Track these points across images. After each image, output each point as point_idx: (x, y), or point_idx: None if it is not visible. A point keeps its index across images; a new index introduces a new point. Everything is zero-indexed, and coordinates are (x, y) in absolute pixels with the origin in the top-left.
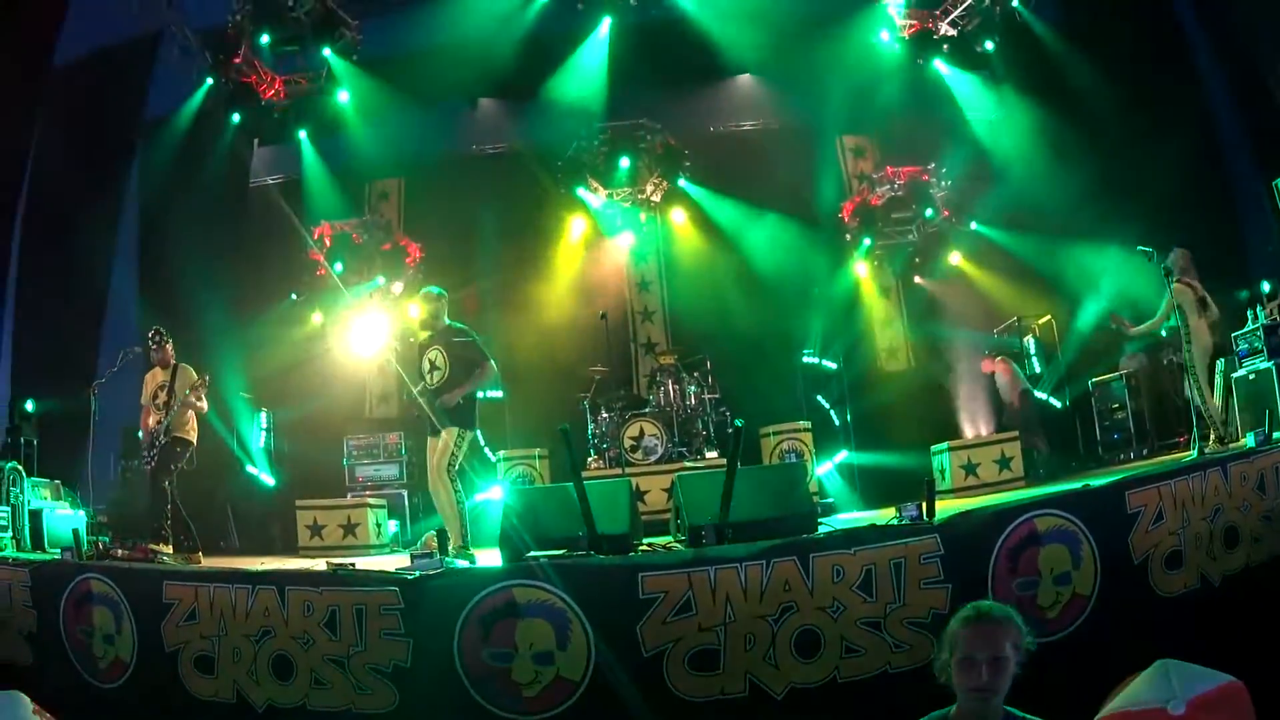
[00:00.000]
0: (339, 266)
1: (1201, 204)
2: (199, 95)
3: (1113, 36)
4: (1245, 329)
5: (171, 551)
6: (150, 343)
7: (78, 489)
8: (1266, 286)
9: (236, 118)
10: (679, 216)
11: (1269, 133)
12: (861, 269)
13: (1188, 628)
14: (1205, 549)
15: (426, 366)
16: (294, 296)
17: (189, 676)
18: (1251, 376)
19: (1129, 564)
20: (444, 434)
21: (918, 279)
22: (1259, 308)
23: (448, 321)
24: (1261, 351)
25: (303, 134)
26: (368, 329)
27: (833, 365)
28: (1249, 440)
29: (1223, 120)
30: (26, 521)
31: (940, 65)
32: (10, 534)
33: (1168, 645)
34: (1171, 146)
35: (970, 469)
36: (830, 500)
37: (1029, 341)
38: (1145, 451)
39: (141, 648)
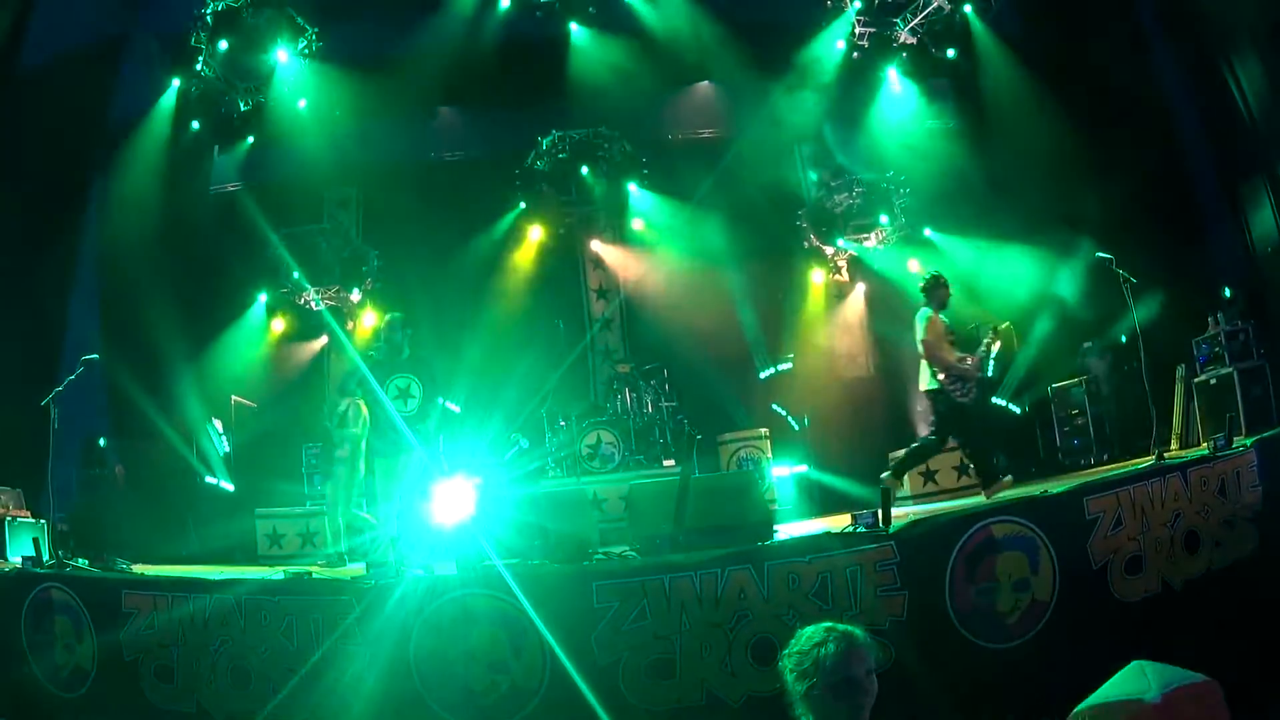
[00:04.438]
0: (297, 274)
1: (1163, 209)
2: (161, 103)
3: (1072, 40)
4: (1206, 334)
5: None
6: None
7: (39, 498)
8: (1228, 292)
9: (196, 124)
10: (637, 224)
11: (1231, 136)
12: (819, 275)
13: (1149, 633)
14: (1166, 554)
15: (395, 392)
16: (261, 296)
17: (149, 685)
18: (1212, 381)
19: (1088, 570)
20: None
21: (875, 285)
22: (1220, 313)
23: (409, 350)
24: (1222, 357)
25: (260, 141)
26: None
27: (788, 364)
28: (1209, 445)
29: (1185, 124)
30: None
31: (899, 73)
32: None
33: (1129, 650)
34: (1133, 151)
35: (929, 475)
36: (789, 507)
37: (994, 347)
38: (1105, 457)
39: (102, 657)
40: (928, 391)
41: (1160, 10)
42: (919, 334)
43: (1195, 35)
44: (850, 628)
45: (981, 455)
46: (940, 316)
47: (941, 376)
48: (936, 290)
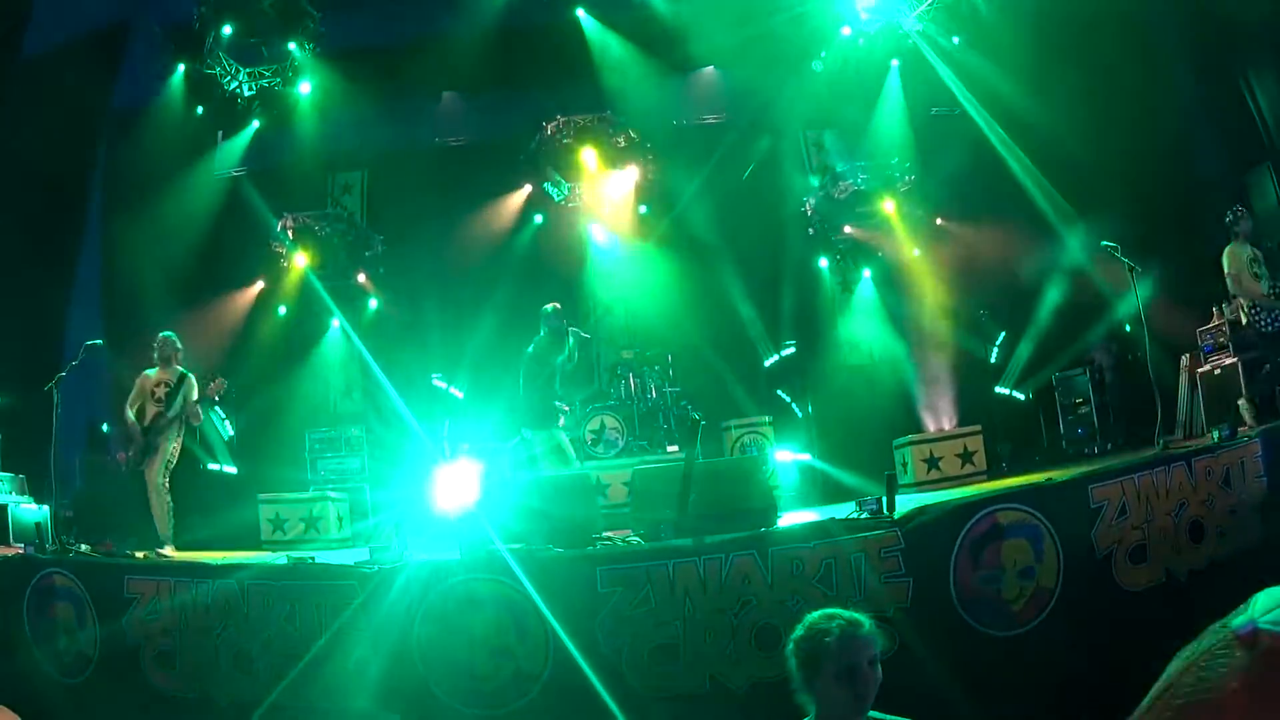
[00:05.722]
0: (301, 259)
1: (1169, 198)
2: (166, 88)
3: (1078, 27)
4: (1211, 324)
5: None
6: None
7: (42, 484)
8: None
9: (201, 110)
10: (642, 210)
11: (1237, 127)
12: (824, 262)
13: (1153, 622)
14: (1170, 544)
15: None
16: (264, 282)
17: (151, 671)
18: (1217, 372)
19: (1092, 558)
20: None
21: (880, 272)
22: (1224, 304)
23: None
24: (1227, 347)
25: (264, 127)
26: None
27: (790, 349)
28: (1214, 435)
29: (1191, 114)
30: None
31: (905, 59)
32: None
33: (1133, 639)
34: (1139, 140)
35: (933, 463)
36: (792, 495)
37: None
38: (1109, 446)
39: (104, 642)
40: (1242, 325)
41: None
42: (1225, 268)
43: (1206, 32)
44: (855, 615)
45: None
46: (1241, 248)
47: (1249, 307)
48: (1238, 223)
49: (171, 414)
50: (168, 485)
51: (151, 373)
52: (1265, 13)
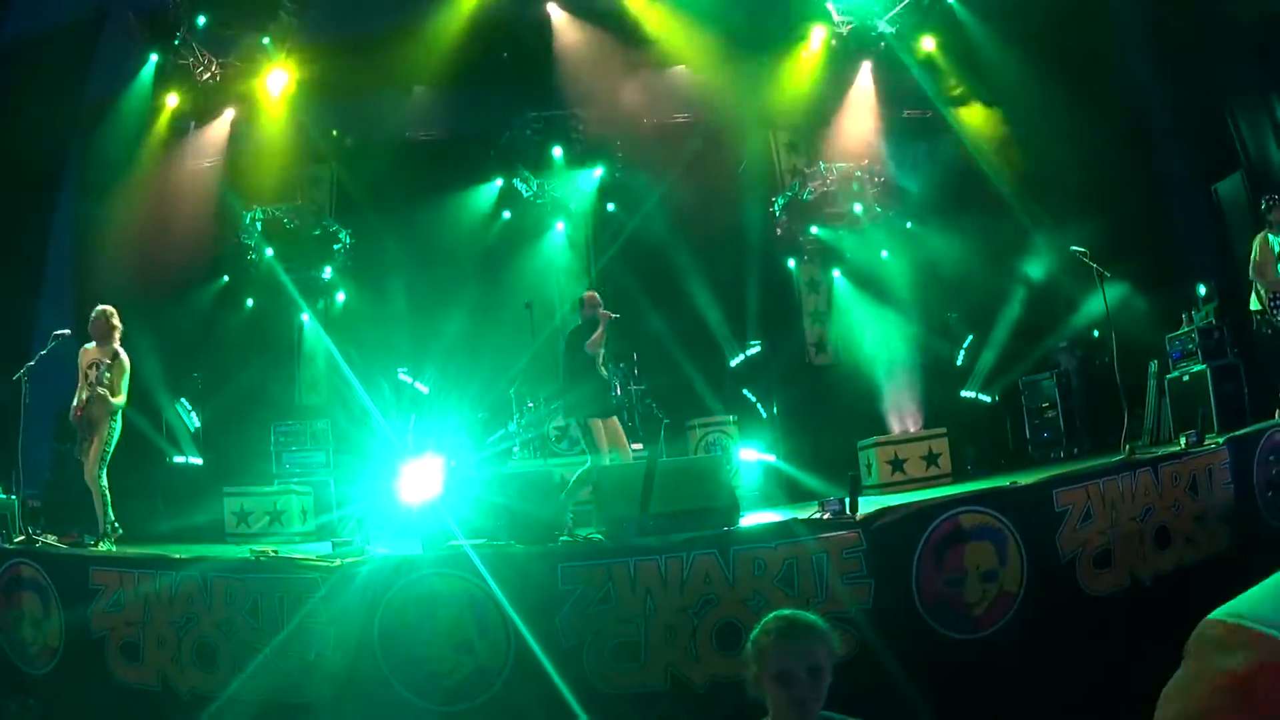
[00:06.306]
0: (270, 251)
1: (1139, 206)
2: (139, 78)
3: (1049, 37)
4: (1179, 331)
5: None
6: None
7: (10, 474)
8: (1202, 289)
9: (173, 100)
10: (610, 207)
11: (1206, 137)
12: (791, 263)
13: (1117, 627)
14: (1135, 549)
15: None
16: (225, 279)
17: (116, 663)
18: (1185, 378)
19: (1056, 562)
20: None
21: (847, 274)
22: (1194, 310)
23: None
24: (1195, 354)
25: (236, 118)
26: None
27: (755, 348)
28: (1181, 441)
29: (1160, 125)
30: None
31: (877, 62)
32: None
33: (1096, 644)
34: (1111, 146)
35: (897, 464)
36: (756, 495)
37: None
38: (1076, 451)
39: (69, 634)
40: (1252, 312)
41: (1143, 17)
42: (1251, 254)
43: (1179, 39)
44: (806, 618)
45: None
46: (1273, 237)
47: (1265, 295)
48: (1271, 211)
49: (101, 397)
50: (104, 477)
51: (90, 346)
52: (1240, 20)
